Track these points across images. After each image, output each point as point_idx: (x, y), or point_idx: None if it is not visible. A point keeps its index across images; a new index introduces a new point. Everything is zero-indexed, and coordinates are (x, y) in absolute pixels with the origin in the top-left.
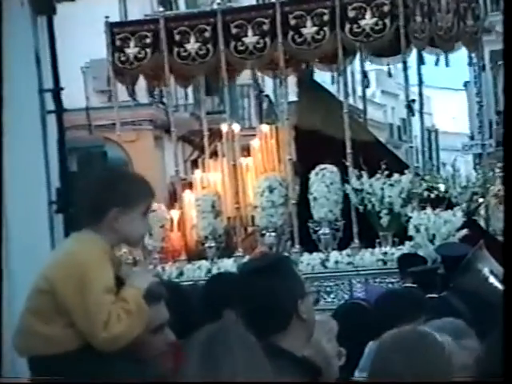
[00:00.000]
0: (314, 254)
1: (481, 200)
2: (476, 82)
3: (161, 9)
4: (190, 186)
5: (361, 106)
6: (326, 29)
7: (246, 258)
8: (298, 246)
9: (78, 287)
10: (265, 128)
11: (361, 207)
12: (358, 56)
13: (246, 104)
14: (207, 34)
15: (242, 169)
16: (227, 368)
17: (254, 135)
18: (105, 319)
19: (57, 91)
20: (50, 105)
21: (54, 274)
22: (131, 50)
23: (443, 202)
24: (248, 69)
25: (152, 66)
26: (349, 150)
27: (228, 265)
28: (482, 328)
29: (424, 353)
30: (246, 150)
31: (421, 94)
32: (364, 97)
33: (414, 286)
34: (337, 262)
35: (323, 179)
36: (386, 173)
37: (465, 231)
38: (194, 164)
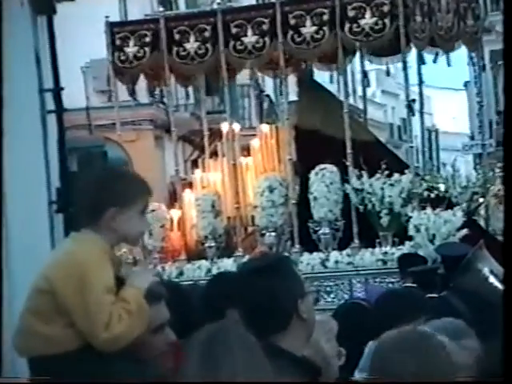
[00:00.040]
0: (314, 253)
1: (481, 200)
2: (476, 82)
3: (161, 9)
4: (190, 185)
5: (361, 106)
6: (325, 28)
7: (246, 258)
8: (298, 246)
9: (78, 287)
10: (265, 128)
11: (361, 207)
12: (358, 56)
13: (247, 104)
14: (207, 34)
15: (242, 168)
16: (227, 368)
17: (254, 135)
18: (105, 319)
19: (57, 91)
20: (50, 105)
21: (54, 274)
22: (131, 49)
23: (443, 202)
24: (247, 68)
25: (151, 65)
26: (349, 150)
27: (228, 265)
28: (482, 328)
29: (424, 353)
30: (246, 150)
31: (421, 94)
32: (364, 96)
33: (414, 285)
34: (337, 262)
35: (323, 179)
36: (386, 173)
37: (465, 231)
38: (195, 164)
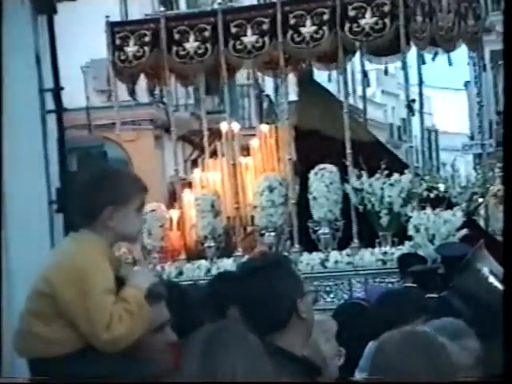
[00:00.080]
0: (314, 253)
1: (480, 200)
2: (476, 82)
3: (161, 8)
4: (190, 185)
5: (361, 106)
6: (325, 28)
7: (246, 258)
8: (297, 246)
9: (79, 289)
10: (264, 128)
11: (360, 207)
12: (358, 56)
13: (247, 104)
14: (207, 34)
15: (241, 168)
16: (226, 368)
17: (253, 135)
18: (106, 320)
19: (57, 91)
20: (50, 104)
21: (53, 276)
22: (130, 49)
23: (443, 202)
24: (246, 68)
25: (151, 65)
26: (348, 150)
27: (227, 264)
28: (482, 328)
29: (426, 353)
30: (246, 150)
31: (421, 94)
32: (364, 96)
33: (414, 285)
34: (336, 262)
35: (323, 179)
36: (386, 173)
37: (464, 231)
38: (194, 164)
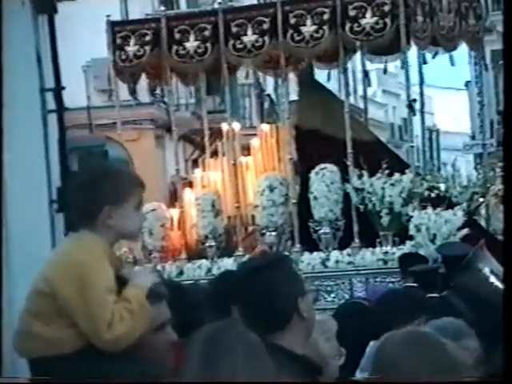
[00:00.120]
0: (315, 253)
1: (481, 200)
2: (477, 82)
3: (162, 8)
4: (191, 185)
5: (362, 106)
6: (325, 27)
7: (246, 258)
8: (298, 246)
9: (79, 289)
10: (265, 127)
11: (361, 207)
12: (359, 55)
13: (248, 103)
14: (207, 33)
15: (242, 168)
16: (227, 367)
17: (254, 134)
18: (107, 320)
19: (58, 90)
20: (51, 104)
21: (54, 276)
22: (131, 48)
23: (444, 202)
24: (245, 67)
25: (152, 64)
26: (349, 150)
27: (228, 264)
28: (483, 328)
29: (426, 353)
30: (247, 150)
31: (422, 94)
32: (365, 96)
33: (415, 285)
34: (337, 262)
35: (323, 178)
36: (387, 172)
37: (465, 231)
38: (195, 163)
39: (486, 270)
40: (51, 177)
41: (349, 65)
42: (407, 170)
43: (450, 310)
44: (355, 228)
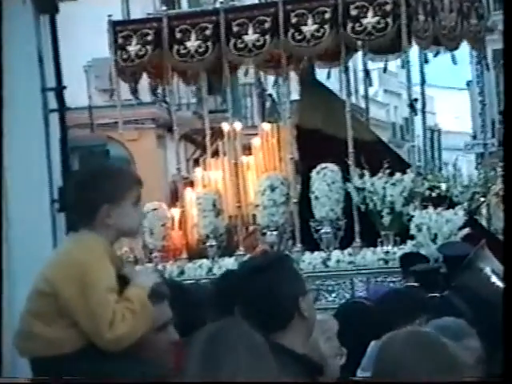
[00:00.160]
0: (316, 253)
1: (482, 199)
2: (479, 82)
3: (164, 7)
4: (192, 184)
5: (363, 105)
6: (326, 26)
7: (247, 257)
8: (299, 245)
9: (80, 288)
10: (266, 127)
11: (362, 206)
12: (360, 54)
13: (249, 103)
14: (208, 32)
15: (243, 167)
16: (227, 367)
17: (256, 134)
18: (109, 319)
19: (59, 90)
20: (53, 103)
21: (54, 276)
22: (133, 48)
23: (445, 201)
24: (246, 65)
25: (153, 64)
26: (351, 149)
27: (229, 264)
28: (484, 328)
29: (427, 353)
30: (248, 149)
31: (423, 93)
32: (366, 96)
33: (416, 285)
34: (338, 261)
35: (324, 178)
36: (388, 172)
37: (466, 230)
38: (196, 163)
39: (487, 270)
40: (52, 176)
41: (350, 64)
42: (408, 170)
43: (451, 310)
44: (356, 227)
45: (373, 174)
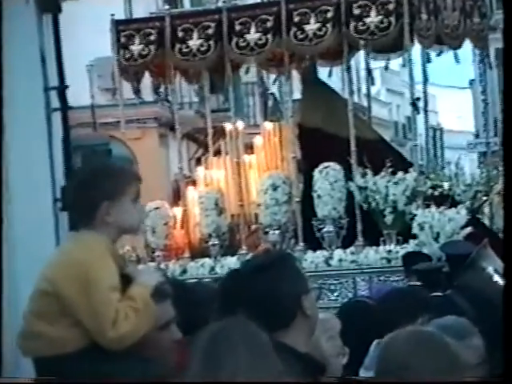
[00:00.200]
0: (318, 251)
1: (485, 198)
2: (481, 80)
3: (166, 6)
4: (194, 183)
5: (365, 104)
6: (328, 25)
7: (250, 256)
8: (301, 244)
9: (83, 288)
10: (268, 125)
11: (365, 205)
12: (362, 53)
13: (251, 102)
14: (210, 31)
15: (245, 166)
16: (228, 367)
17: (258, 133)
18: (112, 318)
19: (62, 89)
20: (55, 103)
21: (56, 275)
22: (136, 47)
23: (447, 200)
24: (248, 64)
25: (155, 63)
26: (353, 148)
27: (231, 262)
28: (486, 327)
29: (430, 352)
30: (250, 148)
31: (426, 92)
32: (369, 94)
33: (419, 284)
34: (341, 260)
35: (327, 177)
36: (391, 171)
37: (469, 229)
38: (198, 162)
39: (490, 269)
40: (55, 175)
41: (352, 63)
42: (411, 169)
43: (453, 309)
44: (359, 226)
45: (375, 173)
